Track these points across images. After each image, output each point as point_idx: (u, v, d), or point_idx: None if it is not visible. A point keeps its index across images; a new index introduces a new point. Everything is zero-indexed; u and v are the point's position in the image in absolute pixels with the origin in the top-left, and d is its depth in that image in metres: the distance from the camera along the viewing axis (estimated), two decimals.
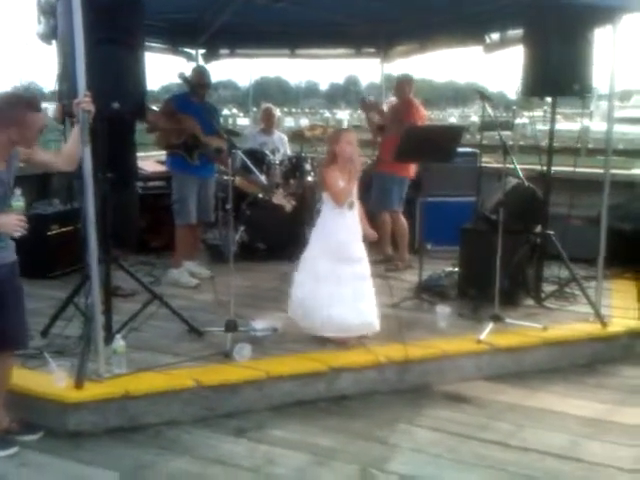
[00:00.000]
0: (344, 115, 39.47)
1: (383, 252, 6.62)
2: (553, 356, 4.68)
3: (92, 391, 3.67)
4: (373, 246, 4.83)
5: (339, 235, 4.47)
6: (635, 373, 4.64)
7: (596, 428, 3.83)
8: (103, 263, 4.14)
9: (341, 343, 4.45)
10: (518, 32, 6.05)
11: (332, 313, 4.36)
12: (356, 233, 4.54)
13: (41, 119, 3.32)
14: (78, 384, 3.66)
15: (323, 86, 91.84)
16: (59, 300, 4.55)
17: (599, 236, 5.00)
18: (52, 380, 3.69)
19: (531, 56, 5.10)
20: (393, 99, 7.20)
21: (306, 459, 3.46)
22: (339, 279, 4.42)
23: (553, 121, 5.53)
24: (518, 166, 5.52)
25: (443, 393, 4.25)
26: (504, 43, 6.68)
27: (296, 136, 7.97)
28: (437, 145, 5.35)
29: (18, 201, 3.30)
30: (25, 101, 3.26)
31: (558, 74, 4.90)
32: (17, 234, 3.19)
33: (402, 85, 6.61)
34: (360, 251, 4.55)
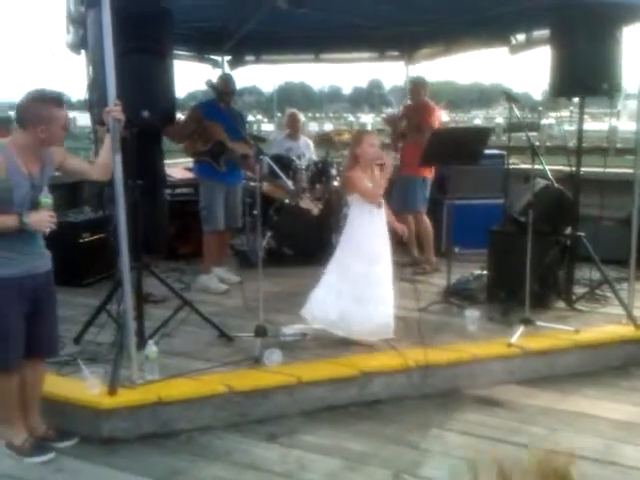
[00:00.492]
0: (368, 119, 39.43)
1: (409, 254, 6.61)
2: (585, 359, 4.63)
3: (125, 397, 3.71)
4: (399, 249, 4.82)
5: (370, 237, 4.50)
6: None
7: (630, 431, 3.78)
8: (135, 270, 4.18)
9: (369, 346, 4.46)
10: (544, 33, 6.02)
11: (364, 314, 4.40)
12: (385, 232, 4.57)
13: (65, 115, 3.33)
14: (111, 390, 3.70)
15: (346, 90, 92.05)
16: (92, 307, 4.61)
17: (630, 237, 4.94)
18: (85, 387, 3.74)
19: (558, 56, 5.07)
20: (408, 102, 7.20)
21: (338, 464, 3.46)
22: (370, 280, 4.43)
23: (581, 121, 5.49)
24: (546, 167, 5.48)
25: (474, 397, 4.22)
26: (530, 44, 6.64)
27: (323, 140, 7.99)
28: (464, 148, 5.33)
29: (46, 197, 3.32)
30: (49, 97, 3.27)
31: (586, 74, 4.86)
32: (48, 230, 3.24)
33: (417, 88, 6.64)
34: (387, 251, 4.57)
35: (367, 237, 4.50)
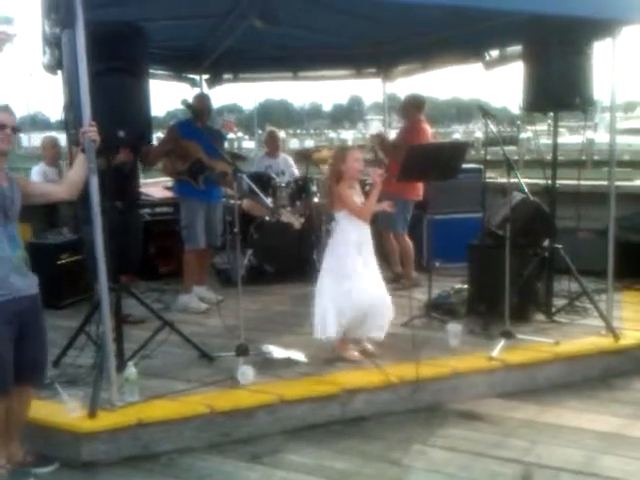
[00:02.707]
0: (348, 135, 39.63)
1: (392, 270, 6.62)
2: (566, 371, 4.66)
3: (105, 420, 3.67)
4: (380, 264, 4.83)
5: (355, 249, 4.52)
6: None
7: (611, 442, 3.80)
8: (113, 291, 4.15)
9: (352, 362, 4.49)
10: (517, 48, 6.09)
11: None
12: (371, 247, 4.61)
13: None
14: (91, 413, 3.67)
15: (327, 107, 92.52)
16: (71, 329, 4.56)
17: (607, 248, 4.99)
18: (65, 410, 3.70)
19: (531, 72, 5.14)
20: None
21: None
22: (356, 295, 4.46)
23: (555, 135, 5.56)
24: (523, 180, 5.53)
25: (456, 412, 4.23)
26: (504, 59, 6.71)
27: (302, 157, 8.01)
28: (440, 163, 5.35)
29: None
30: None
31: (558, 89, 4.92)
32: None
33: (406, 107, 6.64)
34: (373, 263, 4.63)
35: (353, 251, 4.51)
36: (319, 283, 4.59)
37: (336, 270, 4.53)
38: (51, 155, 6.90)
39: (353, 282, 4.46)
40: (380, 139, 6.77)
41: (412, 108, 6.60)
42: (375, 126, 7.21)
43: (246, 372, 4.16)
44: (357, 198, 4.55)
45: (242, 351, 4.33)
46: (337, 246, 4.59)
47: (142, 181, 7.55)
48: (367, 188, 5.03)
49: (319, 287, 4.57)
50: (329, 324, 4.42)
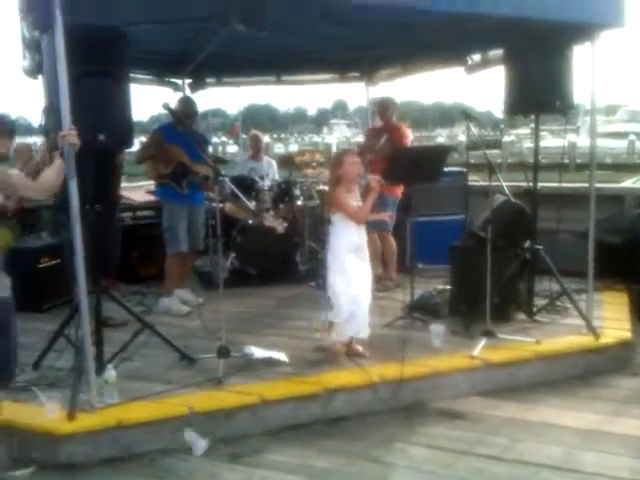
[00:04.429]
0: (333, 139, 39.64)
1: (373, 272, 6.60)
2: (546, 369, 4.68)
3: (84, 422, 3.65)
4: None
5: (351, 252, 4.58)
6: (628, 384, 4.65)
7: (591, 439, 3.83)
8: (93, 294, 4.13)
9: (333, 362, 4.51)
10: (498, 52, 6.13)
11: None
12: (365, 249, 4.68)
13: None
14: (70, 415, 3.64)
15: (311, 111, 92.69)
16: (50, 333, 4.53)
17: (588, 249, 5.03)
18: (44, 412, 3.67)
19: (512, 75, 5.17)
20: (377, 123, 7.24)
21: None
22: (351, 298, 4.52)
23: (537, 138, 5.62)
24: (506, 183, 5.56)
25: (438, 410, 4.24)
26: (485, 64, 6.75)
27: (285, 161, 8.03)
28: (424, 166, 5.37)
29: None
30: None
31: (539, 92, 4.96)
32: None
33: (385, 107, 6.68)
34: (367, 265, 4.70)
35: (349, 252, 4.57)
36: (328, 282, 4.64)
37: (337, 270, 4.58)
38: (25, 161, 6.84)
39: (347, 282, 4.51)
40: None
41: (391, 108, 6.67)
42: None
43: (198, 444, 3.76)
44: (354, 202, 4.58)
45: (223, 353, 4.32)
46: (334, 247, 4.63)
47: (124, 185, 7.53)
48: None
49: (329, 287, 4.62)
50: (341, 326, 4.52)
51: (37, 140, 7.94)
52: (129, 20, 5.17)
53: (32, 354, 4.42)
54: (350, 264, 4.56)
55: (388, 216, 4.71)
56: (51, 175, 3.59)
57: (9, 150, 4.50)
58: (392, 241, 6.64)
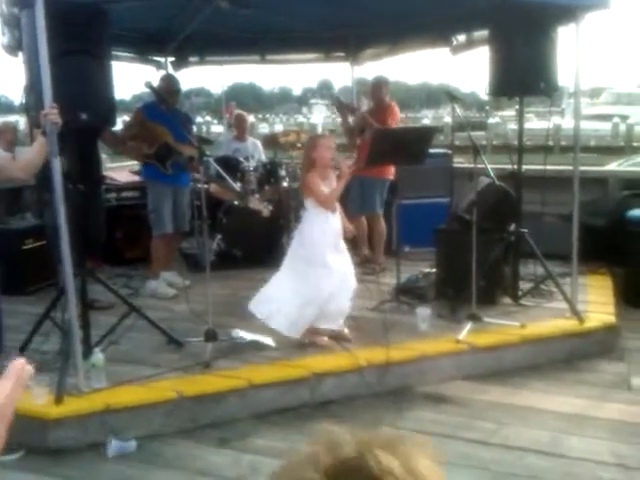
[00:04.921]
0: (318, 119, 39.43)
1: (359, 254, 6.63)
2: (532, 353, 4.73)
3: (72, 406, 3.65)
4: (349, 248, 4.84)
5: (324, 241, 4.48)
6: (612, 368, 4.70)
7: (576, 423, 3.88)
8: (78, 276, 4.10)
9: (320, 346, 4.47)
10: (484, 33, 6.11)
11: (308, 312, 4.42)
12: (339, 235, 4.57)
13: None
14: (58, 400, 3.64)
15: (296, 91, 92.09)
16: (36, 315, 4.50)
17: (572, 233, 5.06)
18: (31, 397, 3.65)
19: (496, 57, 5.15)
20: (365, 102, 7.20)
21: None
22: (321, 284, 4.43)
23: (521, 120, 5.62)
24: (491, 165, 5.57)
25: (424, 394, 4.27)
26: (470, 44, 6.72)
27: (269, 142, 7.97)
28: (408, 147, 5.36)
29: None
30: None
31: (523, 74, 4.94)
32: None
33: (379, 86, 6.64)
34: (343, 251, 4.59)
35: (321, 241, 4.48)
36: (283, 270, 4.56)
37: (304, 258, 4.51)
38: (8, 140, 6.75)
39: (320, 271, 4.43)
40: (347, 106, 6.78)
41: (384, 87, 6.63)
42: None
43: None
44: (326, 187, 4.48)
45: (210, 336, 4.32)
46: (305, 233, 4.56)
47: (108, 165, 7.46)
48: None
49: (282, 275, 4.54)
50: (293, 322, 4.41)
51: (19, 118, 7.83)
52: None
53: (18, 337, 4.38)
54: (324, 251, 4.46)
55: (349, 231, 4.67)
56: (32, 154, 3.54)
57: None
58: (382, 224, 6.62)
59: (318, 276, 4.42)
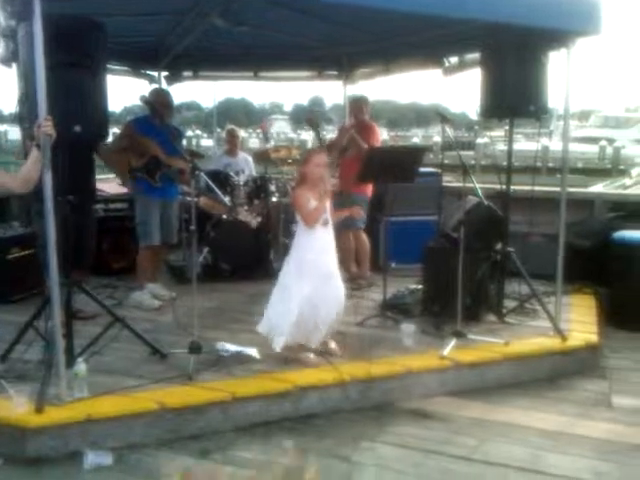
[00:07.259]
0: (308, 136, 39.62)
1: (347, 270, 6.64)
2: (515, 371, 4.74)
3: (53, 415, 3.61)
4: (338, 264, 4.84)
5: (313, 254, 4.48)
6: (594, 386, 4.72)
7: (557, 441, 3.89)
8: (64, 286, 4.09)
9: (304, 362, 4.47)
10: (475, 55, 6.20)
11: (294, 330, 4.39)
12: (330, 250, 4.57)
13: None
14: (38, 409, 3.61)
15: (287, 107, 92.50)
16: (20, 324, 4.46)
17: (557, 252, 5.10)
18: (11, 406, 3.63)
19: (488, 79, 5.23)
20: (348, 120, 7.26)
21: None
22: (310, 297, 4.42)
23: (511, 141, 5.69)
24: (478, 185, 5.61)
25: (407, 410, 4.27)
26: (462, 66, 6.82)
27: (261, 157, 8.01)
28: (399, 166, 5.43)
29: None
30: None
31: (514, 96, 5.01)
32: None
33: (359, 106, 6.70)
34: (333, 267, 4.57)
35: (310, 254, 4.48)
36: (276, 284, 4.56)
37: (290, 273, 4.51)
38: None
39: (309, 286, 4.40)
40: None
41: (364, 106, 6.68)
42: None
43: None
44: (313, 202, 4.47)
45: (195, 348, 4.31)
46: (293, 248, 4.58)
47: (96, 177, 7.45)
48: None
49: (274, 289, 4.54)
50: (279, 334, 4.40)
51: (8, 128, 7.81)
52: (107, 11, 5.13)
53: (0, 346, 4.36)
54: (314, 266, 4.45)
55: (357, 212, 4.68)
56: (29, 169, 3.57)
57: None
58: (365, 239, 6.67)
59: (301, 291, 4.40)
